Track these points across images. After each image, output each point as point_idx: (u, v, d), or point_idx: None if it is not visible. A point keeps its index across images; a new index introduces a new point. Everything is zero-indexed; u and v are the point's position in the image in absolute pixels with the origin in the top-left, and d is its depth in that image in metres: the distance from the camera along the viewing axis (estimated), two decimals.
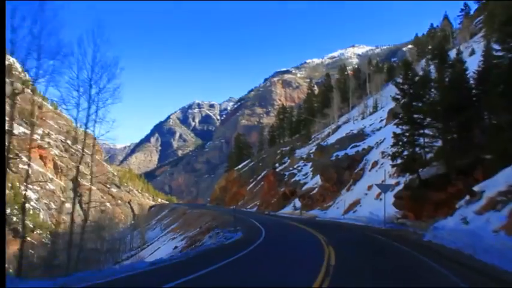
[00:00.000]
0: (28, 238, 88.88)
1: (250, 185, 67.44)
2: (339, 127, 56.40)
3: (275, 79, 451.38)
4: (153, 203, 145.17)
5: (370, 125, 43.95)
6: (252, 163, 75.84)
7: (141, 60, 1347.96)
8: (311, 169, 47.41)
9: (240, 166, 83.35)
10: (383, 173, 28.14)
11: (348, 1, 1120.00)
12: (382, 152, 32.44)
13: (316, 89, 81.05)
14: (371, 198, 27.99)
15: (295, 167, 56.80)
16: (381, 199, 25.15)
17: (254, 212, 52.53)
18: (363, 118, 49.25)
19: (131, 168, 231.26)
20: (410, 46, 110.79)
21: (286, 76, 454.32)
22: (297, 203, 42.36)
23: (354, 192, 32.32)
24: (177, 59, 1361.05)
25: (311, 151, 55.59)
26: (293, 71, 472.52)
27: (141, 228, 52.83)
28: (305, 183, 47.72)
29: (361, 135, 42.50)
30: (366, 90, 57.83)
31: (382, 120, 42.18)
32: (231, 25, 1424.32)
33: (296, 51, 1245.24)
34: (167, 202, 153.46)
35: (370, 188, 30.00)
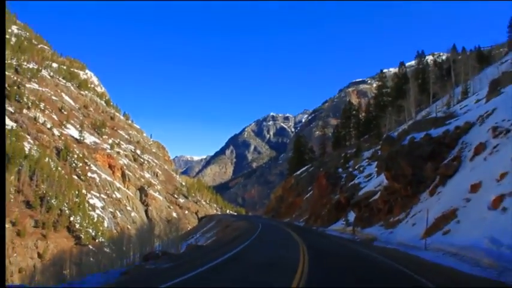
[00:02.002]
0: (90, 246, 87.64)
1: (308, 194, 57.54)
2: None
3: (350, 89, 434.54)
4: (219, 213, 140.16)
5: (461, 108, 31.57)
6: (312, 168, 65.99)
7: (218, 74, 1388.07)
8: (376, 169, 35.24)
9: (298, 172, 73.53)
10: (501, 162, 15.39)
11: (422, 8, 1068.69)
12: (495, 129, 17.96)
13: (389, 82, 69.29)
14: (479, 207, 14.16)
15: (356, 167, 45.61)
16: (505, 209, 12.87)
17: (300, 226, 43.48)
18: (448, 108, 38.38)
19: (200, 179, 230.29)
20: None
21: (362, 86, 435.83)
22: (351, 215, 31.83)
23: (444, 197, 17.89)
24: (253, 72, 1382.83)
25: (378, 148, 43.99)
26: (368, 81, 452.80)
27: (175, 238, 46.54)
28: (365, 187, 35.34)
29: (449, 116, 27.00)
30: (451, 79, 46.70)
31: (478, 101, 29.61)
32: (307, 36, 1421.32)
33: (372, 61, 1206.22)
34: (234, 213, 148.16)
35: (475, 189, 16.04)
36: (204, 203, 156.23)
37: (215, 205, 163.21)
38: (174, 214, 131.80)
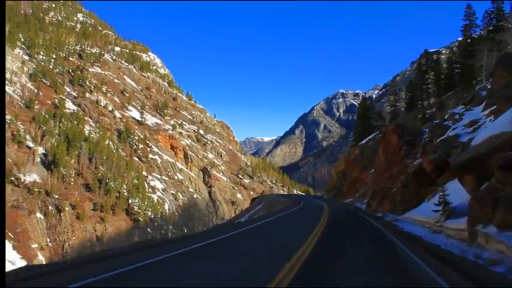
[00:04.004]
0: (148, 229, 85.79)
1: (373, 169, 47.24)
2: None
3: (423, 60, 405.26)
4: (285, 193, 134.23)
5: None
6: (380, 134, 55.43)
7: (286, 53, 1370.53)
8: (485, 111, 21.59)
9: (364, 141, 62.21)
10: None
11: None
12: None
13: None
14: None
15: (446, 117, 30.63)
16: None
17: (356, 213, 30.19)
18: None
19: (265, 159, 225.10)
20: None
21: (436, 57, 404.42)
22: (455, 191, 14.74)
23: None
24: (321, 49, 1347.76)
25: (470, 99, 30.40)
26: (443, 51, 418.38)
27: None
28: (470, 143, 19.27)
29: None
30: None
31: None
32: (374, 8, 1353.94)
33: (446, 29, 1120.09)
34: (302, 193, 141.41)
35: None
36: (270, 183, 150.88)
37: (282, 185, 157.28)
38: (239, 195, 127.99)
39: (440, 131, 28.55)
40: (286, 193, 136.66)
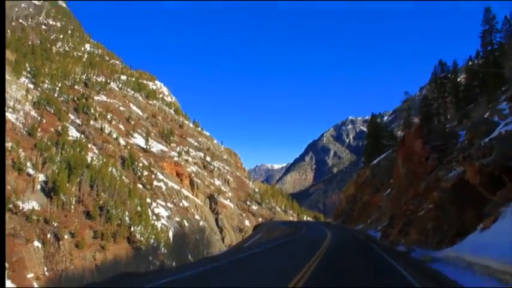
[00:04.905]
0: (150, 257, 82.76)
1: (390, 189, 42.87)
2: None
3: (434, 85, 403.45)
4: (294, 219, 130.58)
5: None
6: (394, 153, 51.13)
7: (295, 81, 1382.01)
8: None
9: (375, 162, 57.61)
10: None
11: None
12: None
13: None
14: None
15: (486, 116, 26.03)
16: None
17: (368, 244, 24.68)
18: None
19: (274, 186, 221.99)
20: None
21: (453, 67, 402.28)
22: None
23: None
24: (329, 76, 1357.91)
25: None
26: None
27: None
28: None
29: None
30: None
31: None
32: (380, 34, 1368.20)
33: (459, 53, 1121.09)
34: (312, 219, 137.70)
35: None
36: (278, 209, 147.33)
37: (291, 211, 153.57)
38: (247, 222, 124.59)
39: (485, 128, 21.88)
40: (295, 220, 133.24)
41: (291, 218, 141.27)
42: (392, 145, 59.07)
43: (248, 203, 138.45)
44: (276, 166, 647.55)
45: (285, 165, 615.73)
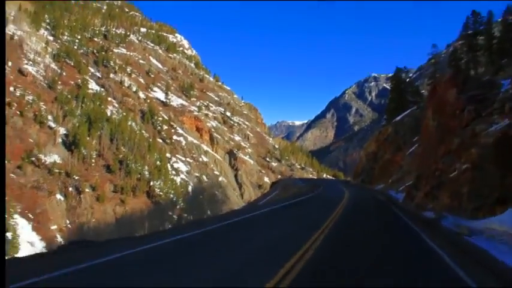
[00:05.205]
0: (170, 213, 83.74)
1: (414, 147, 38.89)
2: None
3: (460, 42, 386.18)
4: (315, 177, 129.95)
5: None
6: (418, 110, 48.23)
7: (317, 36, 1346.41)
8: None
9: (398, 118, 54.42)
10: None
11: None
12: None
13: None
14: None
15: None
16: None
17: (392, 208, 22.13)
18: None
19: (294, 142, 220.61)
20: None
21: (487, 17, 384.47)
22: None
23: None
24: (352, 31, 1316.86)
25: None
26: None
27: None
28: None
29: None
30: None
31: None
32: None
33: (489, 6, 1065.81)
34: (332, 177, 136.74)
35: None
36: (298, 166, 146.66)
37: (311, 169, 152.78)
38: (266, 179, 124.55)
39: None
40: (315, 177, 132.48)
41: (311, 176, 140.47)
42: (417, 101, 56.03)
43: (268, 159, 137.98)
44: (297, 123, 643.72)
45: (306, 121, 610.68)
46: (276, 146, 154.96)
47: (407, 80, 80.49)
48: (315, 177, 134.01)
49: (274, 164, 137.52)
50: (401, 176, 37.57)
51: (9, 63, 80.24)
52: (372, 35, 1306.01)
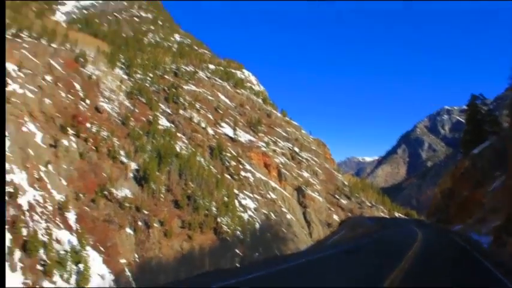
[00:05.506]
0: (236, 250, 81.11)
1: (496, 182, 34.99)
2: None
3: None
4: (386, 216, 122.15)
5: None
6: (499, 141, 42.29)
7: (385, 69, 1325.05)
8: None
9: (476, 151, 49.07)
10: None
11: None
12: None
13: None
14: None
15: None
16: None
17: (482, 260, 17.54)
18: None
19: (364, 178, 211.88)
20: None
21: None
22: None
23: None
24: (423, 63, 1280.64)
25: None
26: None
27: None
28: None
29: None
30: None
31: None
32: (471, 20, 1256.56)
33: None
34: (402, 215, 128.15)
35: None
36: (368, 204, 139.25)
37: (382, 207, 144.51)
38: (335, 216, 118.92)
39: None
40: (386, 216, 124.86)
41: (382, 214, 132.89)
42: (497, 132, 50.20)
43: (337, 196, 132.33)
44: (368, 159, 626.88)
45: (376, 158, 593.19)
46: (346, 183, 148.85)
47: (485, 107, 73.59)
48: (386, 216, 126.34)
49: (343, 201, 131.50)
50: (484, 216, 32.75)
51: (87, 101, 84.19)
52: (444, 65, 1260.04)
